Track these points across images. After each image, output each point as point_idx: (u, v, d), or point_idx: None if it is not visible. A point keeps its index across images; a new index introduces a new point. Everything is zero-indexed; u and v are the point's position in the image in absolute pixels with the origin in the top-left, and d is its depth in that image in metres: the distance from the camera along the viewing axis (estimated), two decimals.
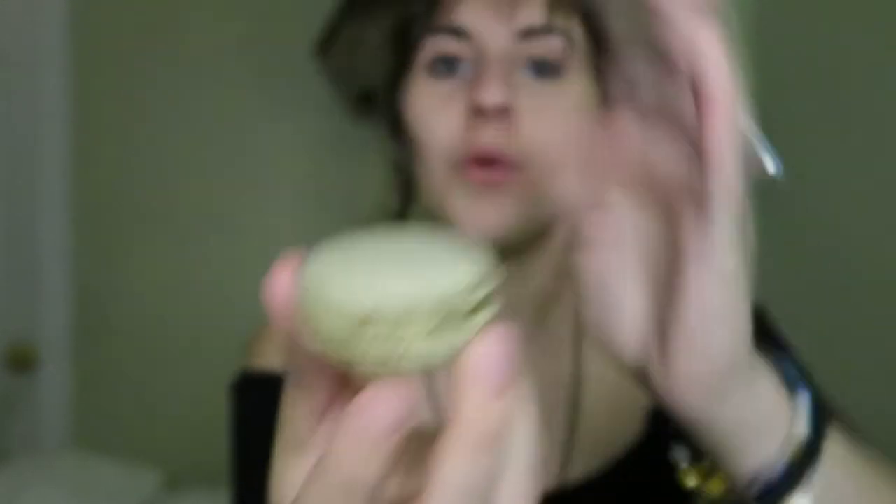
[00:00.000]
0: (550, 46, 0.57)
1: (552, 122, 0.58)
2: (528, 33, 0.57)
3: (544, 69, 0.58)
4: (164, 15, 2.13)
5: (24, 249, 2.09)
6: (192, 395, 2.12)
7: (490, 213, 0.58)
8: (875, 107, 1.83)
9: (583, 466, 0.67)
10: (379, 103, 0.64)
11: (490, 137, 0.57)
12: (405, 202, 0.67)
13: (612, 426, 0.68)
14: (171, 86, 2.13)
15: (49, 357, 2.10)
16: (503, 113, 0.56)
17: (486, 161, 0.57)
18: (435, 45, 0.58)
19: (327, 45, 2.05)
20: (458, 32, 0.57)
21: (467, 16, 0.57)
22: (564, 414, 0.68)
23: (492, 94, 0.55)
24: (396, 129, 0.63)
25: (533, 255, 0.66)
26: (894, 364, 1.78)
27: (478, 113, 0.56)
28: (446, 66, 0.58)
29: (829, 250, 1.95)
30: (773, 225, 2.13)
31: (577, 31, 0.59)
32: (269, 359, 0.74)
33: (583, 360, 0.70)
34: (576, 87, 0.59)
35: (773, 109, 2.11)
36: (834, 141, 1.94)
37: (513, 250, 0.63)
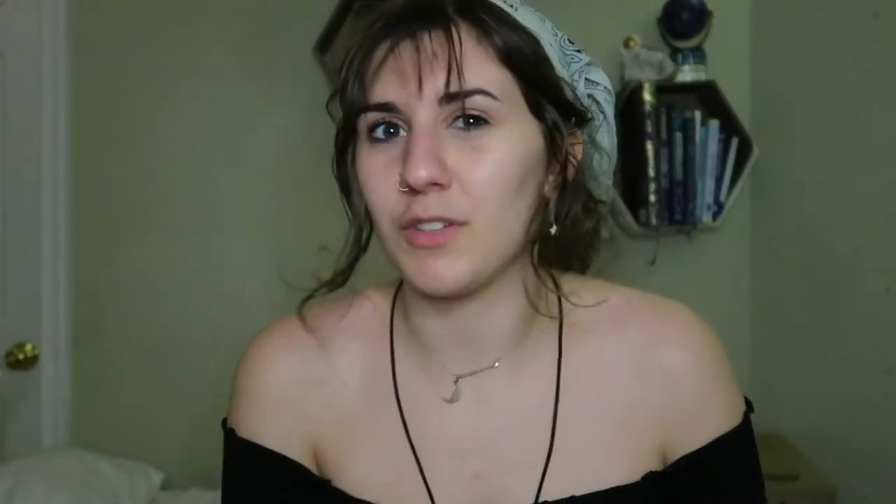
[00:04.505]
0: (475, 104, 0.61)
1: (488, 175, 0.61)
2: (448, 97, 0.60)
3: (473, 125, 0.61)
4: (162, 15, 2.13)
5: (23, 251, 2.09)
6: (190, 394, 2.11)
7: (440, 270, 0.61)
8: (868, 114, 1.83)
9: (560, 489, 0.68)
10: (332, 163, 0.69)
11: (426, 209, 0.60)
12: (357, 250, 0.71)
13: (587, 458, 0.69)
14: (169, 87, 2.12)
15: (49, 357, 2.10)
16: (434, 185, 0.59)
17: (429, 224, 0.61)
18: (368, 119, 0.63)
19: (327, 44, 2.05)
20: (384, 108, 0.62)
21: (387, 91, 0.61)
22: (538, 438, 0.69)
23: (418, 174, 0.59)
24: (347, 186, 0.69)
25: (498, 288, 0.68)
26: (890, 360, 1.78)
27: (410, 189, 0.60)
28: (383, 136, 0.63)
29: (825, 251, 1.95)
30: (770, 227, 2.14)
31: (501, 80, 0.62)
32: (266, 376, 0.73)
33: (562, 378, 0.71)
34: (509, 130, 0.62)
35: (769, 115, 2.11)
36: (829, 145, 1.94)
37: (477, 289, 0.66)
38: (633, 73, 2.00)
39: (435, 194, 0.60)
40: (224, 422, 0.75)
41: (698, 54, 2.05)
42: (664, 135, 2.01)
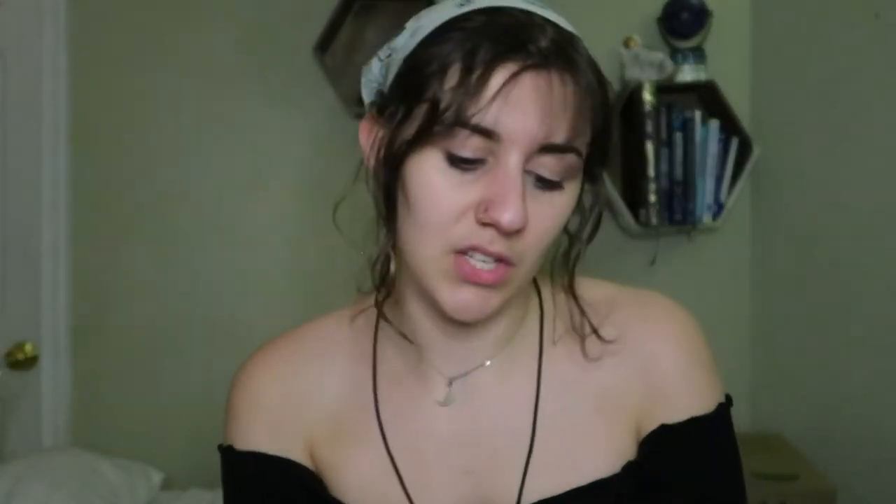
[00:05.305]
0: (565, 161, 0.60)
1: (548, 227, 0.62)
2: (550, 148, 0.59)
3: (550, 184, 0.61)
4: (162, 15, 2.13)
5: (24, 251, 2.09)
6: (190, 394, 2.11)
7: (475, 303, 0.62)
8: (869, 112, 1.83)
9: (540, 488, 0.68)
10: (381, 158, 0.63)
11: (491, 242, 0.60)
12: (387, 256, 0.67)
13: (569, 451, 0.69)
14: (168, 87, 2.12)
15: (49, 357, 2.10)
16: (518, 231, 0.59)
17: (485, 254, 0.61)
18: (461, 138, 0.58)
19: (327, 44, 2.05)
20: (487, 134, 0.58)
21: (503, 120, 0.58)
22: (524, 434, 0.70)
23: (513, 218, 0.58)
24: (390, 186, 0.63)
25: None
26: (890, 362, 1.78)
27: (494, 227, 0.59)
28: (469, 158, 0.59)
29: (825, 253, 1.95)
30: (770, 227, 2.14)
31: (586, 138, 0.62)
32: (256, 396, 0.74)
33: (544, 374, 0.71)
34: (574, 185, 0.63)
35: (769, 115, 2.11)
36: (829, 145, 1.94)
37: None
38: (633, 73, 2.00)
39: (510, 237, 0.60)
40: (220, 446, 0.74)
41: (698, 54, 2.05)
42: (664, 135, 2.01)
